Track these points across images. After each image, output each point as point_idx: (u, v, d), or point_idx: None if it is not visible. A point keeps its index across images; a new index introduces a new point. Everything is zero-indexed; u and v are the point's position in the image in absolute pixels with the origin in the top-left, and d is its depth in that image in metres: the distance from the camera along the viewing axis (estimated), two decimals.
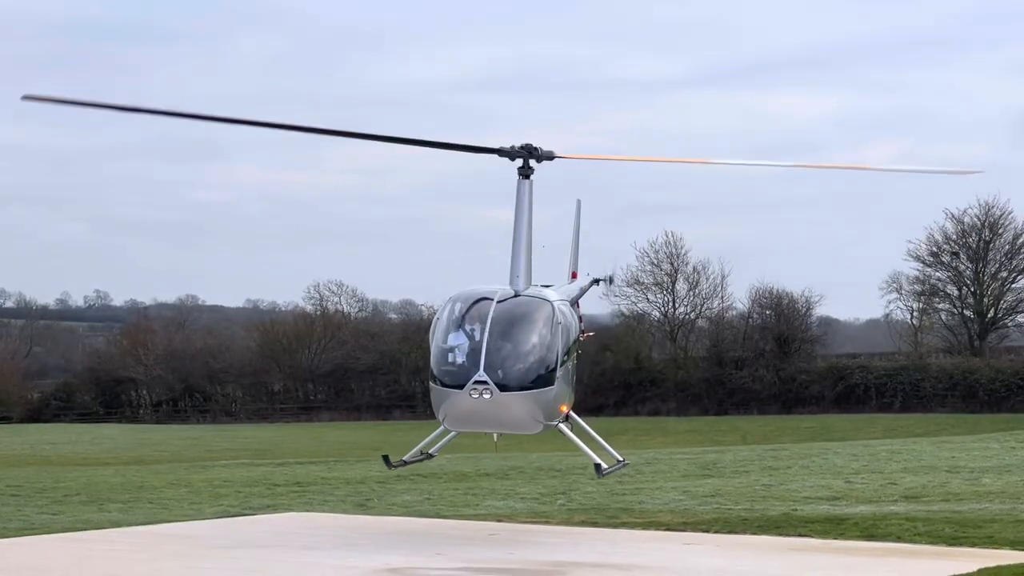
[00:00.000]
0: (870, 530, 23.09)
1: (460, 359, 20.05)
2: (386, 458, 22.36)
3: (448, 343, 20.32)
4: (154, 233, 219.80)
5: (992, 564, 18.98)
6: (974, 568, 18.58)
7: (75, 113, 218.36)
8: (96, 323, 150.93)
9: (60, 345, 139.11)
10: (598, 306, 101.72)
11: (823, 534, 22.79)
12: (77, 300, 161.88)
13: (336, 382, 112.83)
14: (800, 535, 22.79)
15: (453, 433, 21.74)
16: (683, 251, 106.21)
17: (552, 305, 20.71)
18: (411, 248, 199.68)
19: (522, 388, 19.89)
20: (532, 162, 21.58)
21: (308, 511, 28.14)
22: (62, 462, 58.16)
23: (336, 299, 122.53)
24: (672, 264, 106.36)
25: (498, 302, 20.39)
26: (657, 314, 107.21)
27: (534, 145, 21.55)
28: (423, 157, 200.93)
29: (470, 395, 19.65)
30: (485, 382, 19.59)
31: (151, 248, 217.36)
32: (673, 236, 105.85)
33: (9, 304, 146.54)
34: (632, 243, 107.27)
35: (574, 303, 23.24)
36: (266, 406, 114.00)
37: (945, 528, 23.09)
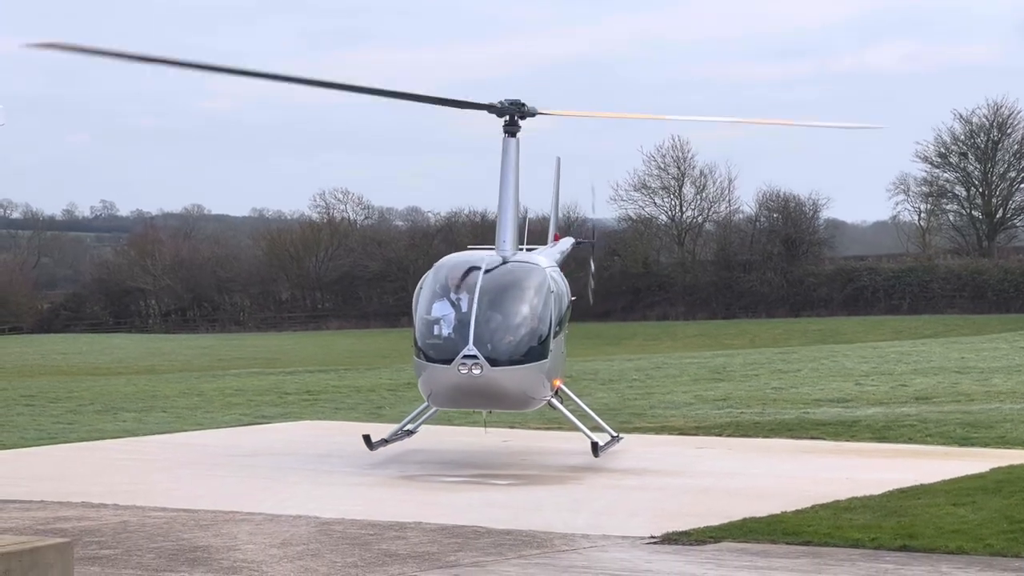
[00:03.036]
0: (882, 432, 23.20)
1: (447, 332, 18.98)
2: (367, 438, 20.63)
3: (434, 314, 19.23)
4: (159, 142, 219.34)
5: (1004, 464, 19.08)
6: (986, 468, 18.67)
7: (78, 22, 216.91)
8: (103, 233, 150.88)
9: (68, 256, 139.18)
10: (605, 211, 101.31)
11: (835, 436, 22.92)
12: (84, 211, 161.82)
13: (344, 290, 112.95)
14: (812, 438, 22.91)
15: (434, 410, 20.47)
16: (690, 155, 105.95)
17: (544, 272, 19.70)
18: (416, 154, 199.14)
19: (514, 362, 18.83)
20: (519, 120, 20.41)
21: (320, 419, 28.29)
22: (74, 372, 58.43)
23: (342, 207, 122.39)
24: (679, 168, 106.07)
25: (486, 270, 19.31)
26: (664, 218, 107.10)
27: (522, 102, 20.46)
28: (428, 67, 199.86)
29: (459, 370, 18.57)
30: (475, 356, 18.51)
31: (156, 158, 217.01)
32: (679, 140, 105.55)
33: (16, 215, 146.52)
34: (639, 147, 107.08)
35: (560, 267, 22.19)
36: (274, 315, 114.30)
37: (956, 429, 23.20)
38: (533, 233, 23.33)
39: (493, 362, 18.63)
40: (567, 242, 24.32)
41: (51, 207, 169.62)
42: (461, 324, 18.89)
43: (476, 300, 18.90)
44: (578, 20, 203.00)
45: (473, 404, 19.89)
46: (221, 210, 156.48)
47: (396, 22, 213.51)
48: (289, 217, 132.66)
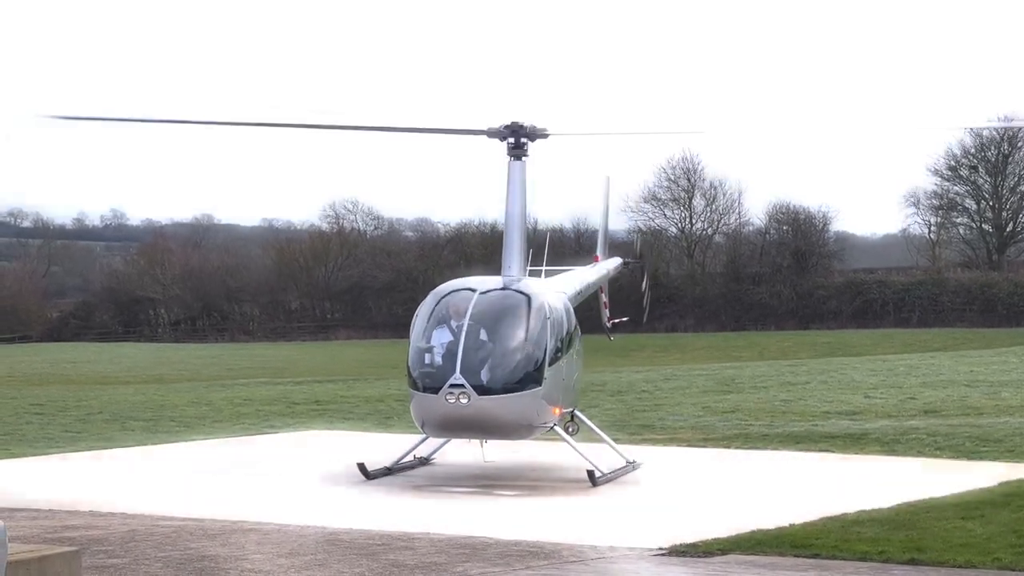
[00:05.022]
0: (891, 445, 23.17)
1: (436, 360, 18.61)
2: (362, 467, 19.93)
3: (424, 341, 18.89)
4: (170, 151, 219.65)
5: (1013, 477, 19.05)
6: (994, 482, 18.65)
7: (89, 32, 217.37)
8: (113, 242, 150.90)
9: (77, 265, 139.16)
10: (615, 222, 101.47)
11: (844, 449, 22.88)
12: (94, 220, 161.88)
13: (353, 300, 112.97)
14: (821, 450, 22.87)
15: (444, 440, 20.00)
16: (700, 166, 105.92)
17: (539, 299, 19.13)
18: (427, 164, 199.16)
19: (504, 391, 18.34)
20: (525, 142, 20.08)
21: (329, 429, 28.31)
22: (83, 381, 58.46)
23: (352, 217, 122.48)
24: (689, 180, 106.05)
25: (479, 296, 18.93)
26: (674, 230, 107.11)
27: (522, 124, 20.09)
28: (446, 71, 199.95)
29: (446, 400, 18.18)
30: (461, 385, 18.11)
31: (167, 166, 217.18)
32: (690, 151, 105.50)
33: (26, 224, 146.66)
34: (649, 159, 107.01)
35: (591, 288, 21.53)
36: (283, 324, 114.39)
37: (965, 442, 23.16)
38: (557, 248, 22.65)
39: (481, 390, 18.19)
40: (612, 263, 23.44)
41: (61, 216, 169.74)
42: (449, 352, 18.50)
43: (465, 328, 18.49)
44: (594, 29, 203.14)
45: (464, 434, 19.36)
46: (231, 219, 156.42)
47: (406, 27, 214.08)
48: (299, 227, 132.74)
